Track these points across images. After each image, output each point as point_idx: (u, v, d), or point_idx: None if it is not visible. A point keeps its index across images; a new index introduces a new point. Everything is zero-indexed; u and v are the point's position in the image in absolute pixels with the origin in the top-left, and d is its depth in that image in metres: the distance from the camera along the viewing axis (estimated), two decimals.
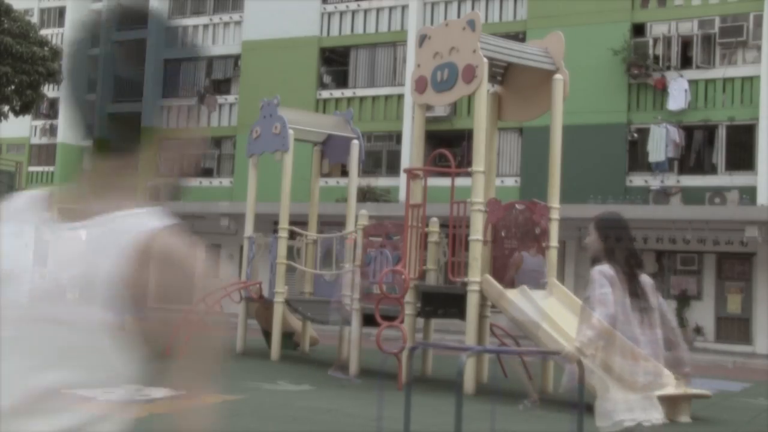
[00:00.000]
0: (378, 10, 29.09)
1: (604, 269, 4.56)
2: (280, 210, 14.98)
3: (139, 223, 1.79)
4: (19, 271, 1.78)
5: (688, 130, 24.01)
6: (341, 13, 29.74)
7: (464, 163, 23.58)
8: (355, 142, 15.58)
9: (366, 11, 29.33)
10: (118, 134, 1.97)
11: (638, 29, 25.05)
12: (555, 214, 12.02)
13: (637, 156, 24.54)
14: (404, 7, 28.42)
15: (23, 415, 1.75)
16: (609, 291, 4.42)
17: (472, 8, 26.74)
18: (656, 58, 24.62)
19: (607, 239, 4.72)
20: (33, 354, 1.72)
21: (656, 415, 4.33)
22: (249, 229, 15.98)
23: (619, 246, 4.69)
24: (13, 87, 26.66)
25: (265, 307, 15.41)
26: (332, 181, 27.14)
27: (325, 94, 29.47)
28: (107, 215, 1.79)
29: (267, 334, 15.60)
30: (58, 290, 1.73)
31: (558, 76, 12.24)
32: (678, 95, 23.87)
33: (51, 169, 42.07)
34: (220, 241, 31.07)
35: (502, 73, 13.32)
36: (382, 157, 28.51)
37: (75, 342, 1.75)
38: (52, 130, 42.29)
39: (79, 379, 1.80)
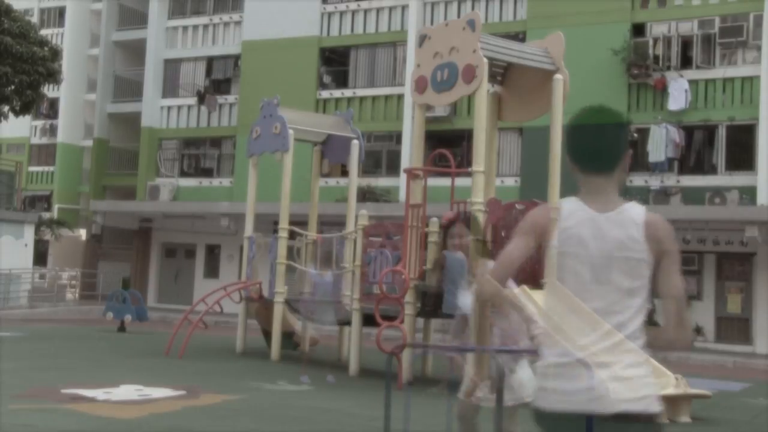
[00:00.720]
0: (378, 10, 29.08)
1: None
2: (280, 210, 14.98)
3: (639, 210, 3.17)
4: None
5: (688, 130, 24.01)
6: (341, 13, 29.73)
7: (464, 163, 23.57)
8: (355, 142, 15.58)
9: (366, 11, 29.32)
10: (606, 163, 3.20)
11: (638, 29, 25.04)
12: (555, 214, 12.01)
13: (637, 156, 24.53)
14: (404, 7, 28.41)
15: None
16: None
17: (472, 8, 26.73)
18: (656, 58, 24.62)
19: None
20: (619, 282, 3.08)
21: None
22: (249, 229, 15.98)
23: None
24: (13, 87, 26.65)
25: (265, 307, 15.41)
26: (332, 181, 27.14)
27: (325, 94, 29.47)
28: (620, 207, 3.16)
29: (267, 334, 15.60)
30: (616, 246, 3.07)
31: (558, 76, 12.24)
32: (678, 95, 23.86)
33: (51, 169, 42.06)
34: (220, 241, 31.08)
35: (502, 73, 13.31)
36: (382, 157, 28.50)
37: (632, 267, 3.04)
38: (52, 130, 42.27)
39: (633, 284, 3.05)
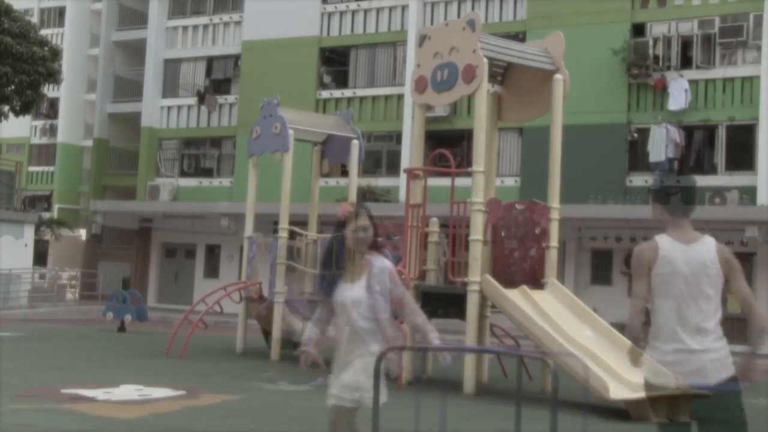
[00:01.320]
0: (378, 10, 29.08)
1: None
2: (280, 210, 14.97)
3: (712, 240, 4.52)
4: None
5: (688, 130, 24.00)
6: (341, 13, 29.73)
7: (464, 163, 23.57)
8: (355, 142, 15.57)
9: (366, 11, 29.32)
10: (684, 208, 4.76)
11: (638, 29, 25.04)
12: (555, 214, 12.01)
13: (637, 156, 24.54)
14: (404, 7, 28.41)
15: None
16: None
17: (472, 8, 26.73)
18: (656, 58, 24.61)
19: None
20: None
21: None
22: (249, 229, 15.97)
23: None
24: (13, 87, 26.64)
25: (266, 308, 15.39)
26: (332, 181, 27.13)
27: (325, 94, 29.46)
28: (701, 239, 4.51)
29: (267, 334, 15.59)
30: (705, 269, 4.43)
31: (558, 76, 12.24)
32: (678, 95, 23.86)
33: (51, 169, 42.05)
34: (220, 241, 31.07)
35: (502, 73, 13.31)
36: (382, 157, 28.50)
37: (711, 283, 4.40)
38: (52, 130, 42.26)
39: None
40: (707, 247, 4.49)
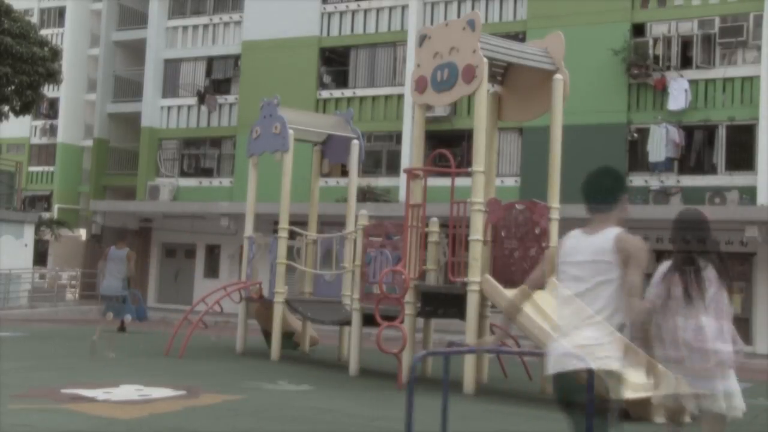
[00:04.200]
0: (378, 10, 29.08)
1: (661, 267, 5.38)
2: (280, 210, 14.97)
3: (613, 231, 4.66)
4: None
5: (688, 130, 24.00)
6: (341, 13, 29.73)
7: (464, 163, 23.57)
8: (355, 142, 15.57)
9: (366, 11, 29.32)
10: (601, 206, 4.85)
11: (638, 29, 25.04)
12: (555, 214, 12.01)
13: (637, 156, 24.54)
14: (404, 7, 28.41)
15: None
16: (654, 287, 5.23)
17: (472, 8, 26.73)
18: (656, 58, 24.61)
19: (672, 240, 5.55)
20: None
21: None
22: (249, 229, 15.97)
23: (675, 246, 5.44)
24: (13, 87, 26.65)
25: (265, 307, 15.40)
26: (332, 181, 27.14)
27: (325, 94, 29.46)
28: (602, 231, 4.68)
29: (267, 334, 15.60)
30: (596, 255, 4.61)
31: (558, 76, 12.24)
32: (678, 95, 23.86)
33: (51, 169, 42.08)
34: (220, 241, 31.08)
35: (502, 73, 13.31)
36: (382, 157, 28.50)
37: (602, 271, 4.59)
38: (52, 130, 42.29)
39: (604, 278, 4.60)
40: (606, 236, 4.67)
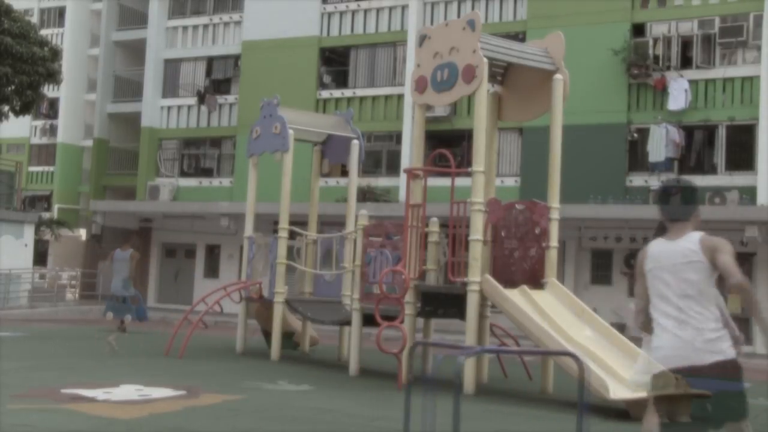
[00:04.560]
0: (378, 10, 29.08)
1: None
2: (280, 210, 14.97)
3: (695, 234, 4.92)
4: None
5: (688, 130, 24.00)
6: (341, 13, 29.73)
7: (464, 163, 23.57)
8: (355, 142, 15.57)
9: (366, 11, 29.32)
10: (680, 216, 5.12)
11: (638, 29, 25.04)
12: (555, 214, 12.01)
13: (637, 156, 24.54)
14: (404, 7, 28.41)
15: None
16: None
17: (472, 8, 26.73)
18: (656, 58, 24.61)
19: None
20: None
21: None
22: (249, 229, 15.97)
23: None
24: (13, 87, 26.64)
25: (265, 307, 15.40)
26: (332, 181, 27.14)
27: (325, 94, 29.46)
28: (684, 237, 4.91)
29: (267, 334, 15.60)
30: (685, 257, 4.86)
31: (558, 76, 12.24)
32: (678, 95, 23.86)
33: (51, 169, 42.07)
34: (220, 241, 31.08)
35: (502, 73, 13.31)
36: (382, 157, 28.50)
37: (696, 270, 4.83)
38: (52, 130, 42.28)
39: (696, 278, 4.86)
40: (691, 239, 4.97)
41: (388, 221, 14.15)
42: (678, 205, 5.11)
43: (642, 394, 5.37)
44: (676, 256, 4.90)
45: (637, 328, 5.22)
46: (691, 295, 4.82)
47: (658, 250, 5.02)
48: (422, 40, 12.60)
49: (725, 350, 4.83)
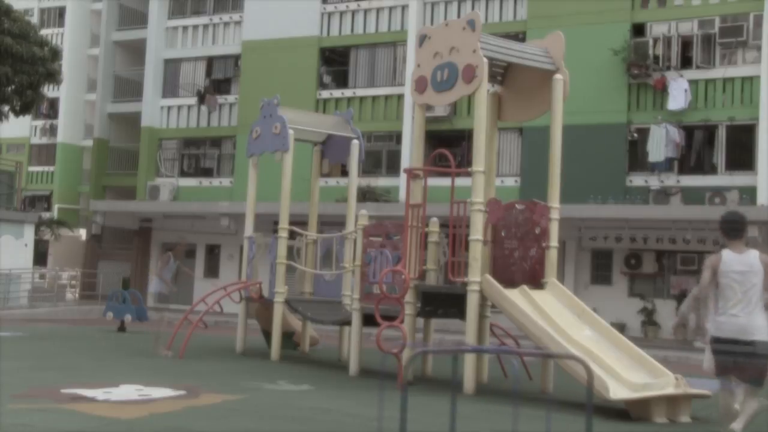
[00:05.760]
0: (378, 10, 29.08)
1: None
2: (280, 210, 14.97)
3: (754, 251, 7.45)
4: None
5: (688, 130, 24.01)
6: (341, 13, 29.73)
7: (464, 163, 23.58)
8: (355, 142, 15.57)
9: (366, 11, 29.33)
10: (738, 236, 7.53)
11: (638, 29, 25.05)
12: (555, 214, 12.01)
13: (637, 156, 24.55)
14: (404, 7, 28.42)
15: None
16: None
17: (472, 8, 26.74)
18: (656, 58, 24.62)
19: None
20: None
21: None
22: (249, 229, 15.97)
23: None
24: (13, 87, 26.65)
25: (265, 307, 15.41)
26: (332, 181, 27.14)
27: (325, 94, 29.47)
28: (746, 252, 7.45)
29: (267, 334, 15.60)
30: (749, 267, 7.32)
31: (558, 76, 12.24)
32: (678, 95, 23.86)
33: (51, 169, 42.09)
34: (220, 241, 31.09)
35: (502, 73, 13.31)
36: (382, 157, 28.51)
37: (756, 275, 7.27)
38: (52, 130, 42.31)
39: (757, 281, 7.31)
40: (752, 255, 7.38)
41: (388, 221, 14.15)
42: (738, 230, 7.50)
43: (642, 394, 5.36)
44: (744, 265, 7.26)
45: (689, 306, 7.72)
46: (752, 292, 7.16)
47: (729, 258, 7.32)
48: (422, 40, 12.59)
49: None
